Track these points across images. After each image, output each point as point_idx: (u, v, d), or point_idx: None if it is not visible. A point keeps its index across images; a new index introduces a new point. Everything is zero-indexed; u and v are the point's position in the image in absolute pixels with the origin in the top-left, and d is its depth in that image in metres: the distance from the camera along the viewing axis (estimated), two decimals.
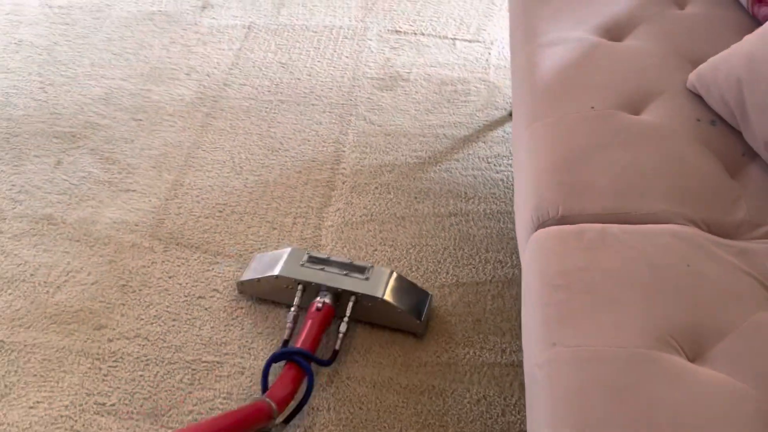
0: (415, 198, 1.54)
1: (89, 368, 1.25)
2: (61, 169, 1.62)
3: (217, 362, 1.25)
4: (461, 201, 1.54)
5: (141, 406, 1.20)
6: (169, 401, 1.20)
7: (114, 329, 1.31)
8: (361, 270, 1.29)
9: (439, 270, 1.40)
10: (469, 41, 1.99)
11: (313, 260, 1.30)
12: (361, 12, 2.11)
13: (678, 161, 0.93)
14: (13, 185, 1.58)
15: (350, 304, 1.25)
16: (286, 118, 1.75)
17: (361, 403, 1.19)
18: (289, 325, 1.26)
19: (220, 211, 1.52)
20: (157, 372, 1.24)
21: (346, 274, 1.28)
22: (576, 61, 1.09)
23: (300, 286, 1.28)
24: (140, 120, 1.75)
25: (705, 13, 1.19)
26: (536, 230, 0.90)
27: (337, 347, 1.23)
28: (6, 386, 1.22)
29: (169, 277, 1.39)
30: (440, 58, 1.93)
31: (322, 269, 1.29)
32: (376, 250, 1.44)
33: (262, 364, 1.24)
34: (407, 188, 1.56)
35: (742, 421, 0.67)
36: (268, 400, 1.12)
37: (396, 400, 1.20)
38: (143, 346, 1.28)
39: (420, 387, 1.22)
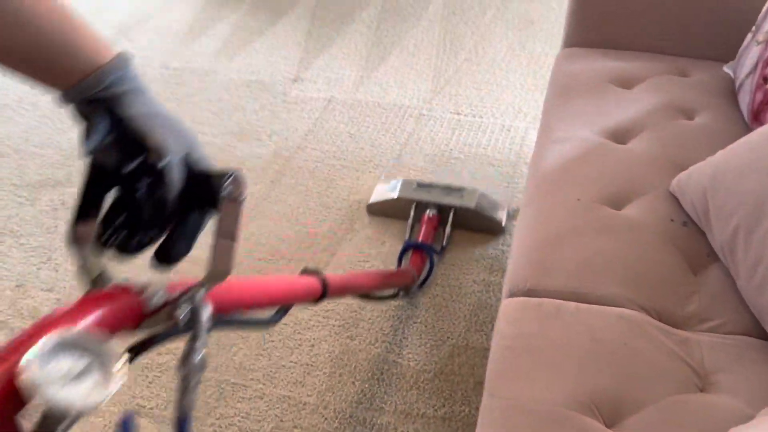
0: (442, 263, 1.69)
1: (138, 375, 1.47)
2: None
3: (243, 385, 1.44)
4: (485, 272, 1.67)
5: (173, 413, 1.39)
6: (197, 412, 1.39)
7: (165, 346, 1.52)
8: (457, 190, 1.76)
9: (452, 331, 1.53)
10: (524, 129, 2.15)
11: (421, 186, 1.78)
12: (429, 95, 2.33)
13: (643, 253, 1.04)
14: None
15: (451, 215, 1.73)
16: (344, 181, 1.97)
17: None
18: (407, 232, 1.74)
19: (272, 255, 1.74)
20: None
21: (446, 194, 1.74)
22: (576, 157, 1.23)
23: (414, 204, 1.75)
24: None
25: (709, 125, 1.30)
26: (507, 298, 1.04)
27: (444, 244, 1.70)
28: None
29: None
30: (493, 141, 2.09)
31: (428, 191, 1.76)
32: (400, 304, 1.59)
33: (280, 392, 1.41)
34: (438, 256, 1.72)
35: None
36: (410, 267, 1.54)
37: None
38: None
39: None
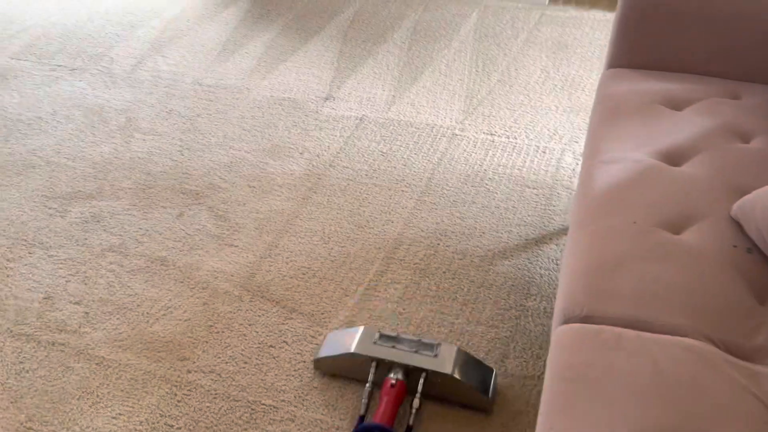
0: (479, 287, 1.64)
1: (167, 393, 1.43)
2: (181, 220, 1.89)
3: (274, 407, 1.39)
4: (523, 297, 1.62)
5: None
6: None
7: (194, 362, 1.49)
8: (430, 347, 1.36)
9: (488, 358, 1.47)
10: (560, 151, 2.11)
11: (385, 338, 1.39)
12: (462, 115, 2.30)
13: (706, 281, 0.99)
14: (140, 228, 1.86)
15: (421, 380, 1.33)
16: (377, 199, 1.93)
17: None
18: (364, 401, 1.34)
19: (304, 274, 1.70)
20: (222, 406, 1.40)
21: (415, 351, 1.36)
22: (629, 178, 1.19)
23: (374, 363, 1.36)
24: (254, 187, 2.00)
25: (767, 149, 1.25)
26: (561, 325, 0.99)
27: (410, 423, 1.31)
28: (98, 396, 1.42)
29: (249, 325, 1.57)
30: (528, 163, 2.06)
31: (393, 347, 1.37)
32: (431, 329, 1.54)
33: (312, 415, 1.37)
34: (473, 277, 1.67)
35: None
36: None
37: None
38: (215, 381, 1.45)
39: None
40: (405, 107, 2.36)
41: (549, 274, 1.69)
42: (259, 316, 1.59)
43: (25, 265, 1.74)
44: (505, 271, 1.69)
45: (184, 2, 3.13)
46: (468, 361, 1.36)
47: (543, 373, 1.44)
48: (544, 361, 1.47)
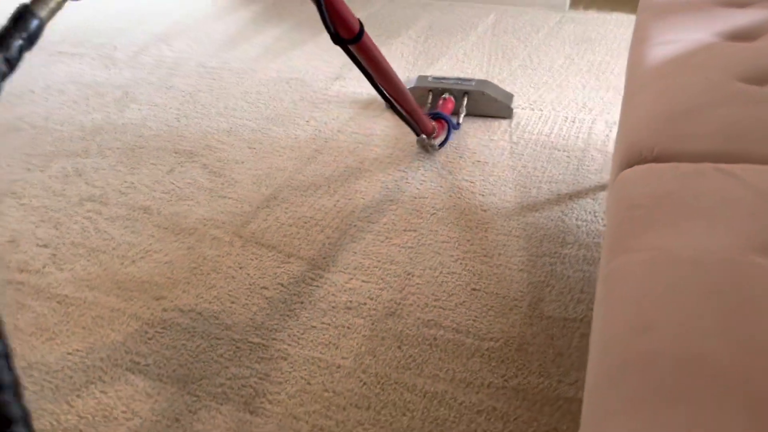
0: (506, 236, 1.42)
1: (136, 330, 1.20)
2: (171, 175, 1.70)
3: (263, 344, 1.15)
4: (558, 245, 1.39)
5: (174, 371, 1.11)
6: (203, 371, 1.11)
7: (172, 302, 1.26)
8: (468, 80, 1.91)
9: (520, 300, 1.24)
10: (591, 120, 1.92)
11: (436, 78, 1.93)
12: None
13: None
14: (125, 182, 1.67)
15: (465, 100, 1.86)
16: (390, 159, 1.74)
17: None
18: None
19: (305, 222, 1.49)
20: (200, 344, 1.16)
21: (458, 83, 1.89)
22: (691, 51, 1.00)
23: (430, 93, 1.89)
24: (254, 149, 1.82)
25: None
26: (624, 170, 0.77)
27: (460, 121, 1.83)
28: (54, 332, 1.20)
29: (240, 267, 1.35)
30: (556, 130, 1.87)
31: (441, 81, 1.90)
32: (456, 273, 1.31)
33: (308, 353, 1.13)
34: (500, 227, 1.45)
35: None
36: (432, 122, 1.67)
37: (447, 414, 1.02)
38: (195, 320, 1.22)
39: (478, 406, 1.03)
40: None
41: (587, 225, 1.47)
42: (252, 260, 1.38)
43: None
44: (535, 222, 1.48)
45: (195, 4, 3.07)
46: (496, 87, 1.92)
47: (586, 316, 1.20)
48: (587, 304, 1.23)
